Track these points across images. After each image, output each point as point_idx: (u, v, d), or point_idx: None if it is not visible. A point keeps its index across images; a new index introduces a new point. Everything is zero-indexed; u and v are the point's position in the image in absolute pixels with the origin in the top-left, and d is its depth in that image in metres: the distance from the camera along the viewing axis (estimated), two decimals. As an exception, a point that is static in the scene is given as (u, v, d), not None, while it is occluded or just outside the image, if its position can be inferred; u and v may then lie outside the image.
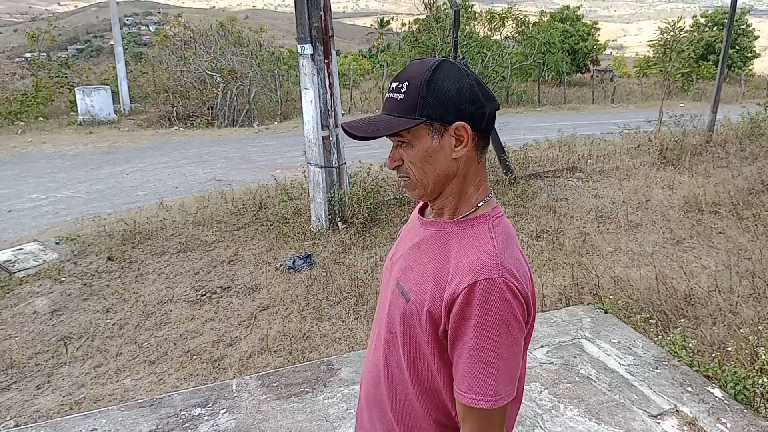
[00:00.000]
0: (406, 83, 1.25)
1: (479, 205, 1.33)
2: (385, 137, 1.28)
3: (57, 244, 7.10)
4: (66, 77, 22.15)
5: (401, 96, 1.25)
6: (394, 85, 1.28)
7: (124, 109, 20.70)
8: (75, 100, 18.58)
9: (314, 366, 3.67)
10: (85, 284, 6.08)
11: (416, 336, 1.29)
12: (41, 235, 7.51)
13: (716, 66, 30.72)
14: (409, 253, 1.37)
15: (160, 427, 3.01)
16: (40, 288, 5.99)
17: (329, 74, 7.24)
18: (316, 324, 5.17)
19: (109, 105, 18.74)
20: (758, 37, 38.18)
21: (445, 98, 1.24)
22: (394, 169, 1.34)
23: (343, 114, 8.59)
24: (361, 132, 1.26)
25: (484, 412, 1.21)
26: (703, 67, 32.24)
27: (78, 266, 6.52)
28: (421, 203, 1.50)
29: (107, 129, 17.27)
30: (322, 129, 7.24)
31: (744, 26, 35.78)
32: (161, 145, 14.72)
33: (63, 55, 37.10)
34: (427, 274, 1.28)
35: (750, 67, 38.13)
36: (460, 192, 1.33)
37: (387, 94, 1.30)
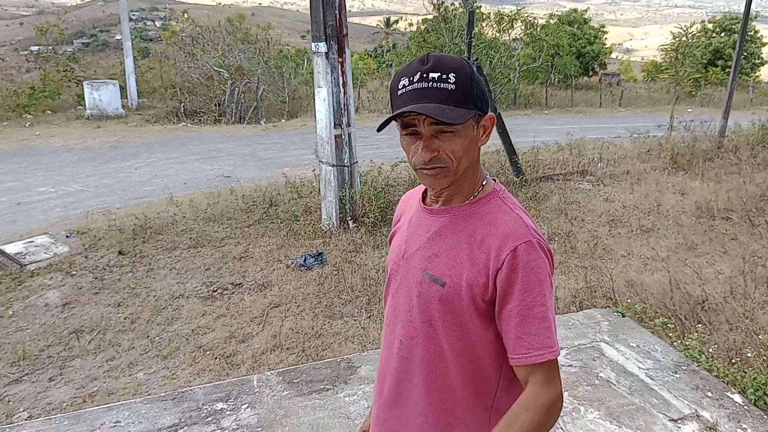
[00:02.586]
0: (453, 74, 1.27)
1: (483, 184, 1.44)
2: (384, 129, 1.37)
3: (68, 237, 7.09)
4: (73, 71, 22.13)
5: (452, 86, 1.27)
6: (435, 75, 1.27)
7: (131, 104, 20.68)
8: (83, 94, 18.57)
9: (334, 363, 3.65)
10: (96, 278, 6.07)
11: (458, 317, 1.36)
12: (51, 228, 7.50)
13: (724, 72, 30.77)
14: (431, 243, 1.42)
15: (183, 420, 2.99)
16: (52, 281, 5.98)
17: (343, 73, 7.21)
18: (329, 322, 5.15)
19: (117, 100, 18.75)
20: (766, 44, 38.00)
21: (483, 91, 1.34)
22: (430, 160, 1.32)
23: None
24: (430, 112, 1.25)
25: (547, 365, 1.30)
26: (711, 73, 32.15)
27: (89, 260, 6.51)
28: (417, 194, 1.55)
29: (115, 123, 17.26)
30: (335, 127, 7.22)
31: (752, 32, 35.60)
32: (169, 140, 14.71)
33: (69, 49, 37.17)
34: (459, 256, 1.36)
35: (757, 74, 37.98)
36: (473, 176, 1.42)
37: (425, 84, 1.27)
